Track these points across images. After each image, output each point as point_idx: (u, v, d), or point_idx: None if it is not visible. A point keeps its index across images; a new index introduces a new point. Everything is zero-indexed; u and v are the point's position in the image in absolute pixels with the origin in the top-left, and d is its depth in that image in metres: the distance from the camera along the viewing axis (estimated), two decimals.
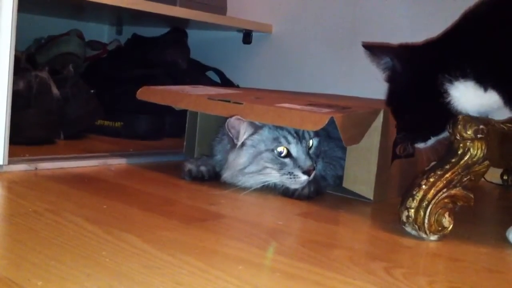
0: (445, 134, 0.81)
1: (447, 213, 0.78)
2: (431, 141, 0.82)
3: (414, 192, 0.78)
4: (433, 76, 0.77)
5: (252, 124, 0.97)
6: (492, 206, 1.14)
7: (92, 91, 1.42)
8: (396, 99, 0.84)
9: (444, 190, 0.78)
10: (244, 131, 0.97)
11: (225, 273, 0.59)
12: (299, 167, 0.95)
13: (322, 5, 1.65)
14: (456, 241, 0.78)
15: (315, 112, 0.92)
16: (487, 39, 0.74)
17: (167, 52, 1.66)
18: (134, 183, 1.00)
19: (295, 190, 0.97)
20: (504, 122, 1.14)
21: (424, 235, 0.78)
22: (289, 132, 0.96)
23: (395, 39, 0.89)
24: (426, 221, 0.77)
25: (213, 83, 1.68)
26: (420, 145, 0.83)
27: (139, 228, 0.73)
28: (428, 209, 0.77)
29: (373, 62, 0.82)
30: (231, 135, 0.98)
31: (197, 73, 1.71)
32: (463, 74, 0.75)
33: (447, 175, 0.78)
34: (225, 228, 0.78)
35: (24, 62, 1.26)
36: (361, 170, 0.98)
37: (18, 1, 0.94)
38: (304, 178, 0.95)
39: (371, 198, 0.97)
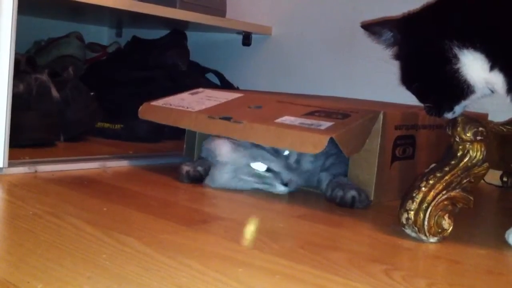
0: (467, 101, 0.76)
1: (446, 215, 0.78)
2: (458, 109, 0.77)
3: (414, 194, 0.78)
4: (440, 41, 0.72)
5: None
6: (491, 208, 1.14)
7: (92, 93, 1.42)
8: (407, 74, 0.79)
9: (444, 192, 0.78)
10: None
11: (225, 275, 0.59)
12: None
13: (322, 7, 1.66)
14: (456, 243, 0.78)
15: (315, 131, 0.93)
16: (499, 13, 0.69)
17: (167, 54, 1.66)
18: (134, 185, 1.00)
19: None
20: (503, 124, 1.14)
21: (423, 237, 0.78)
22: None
23: None
24: (425, 223, 0.77)
25: (213, 85, 1.68)
26: (448, 115, 0.78)
27: (138, 230, 0.73)
28: (428, 211, 0.77)
29: (375, 41, 0.80)
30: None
31: (197, 75, 1.71)
32: (472, 45, 0.70)
33: (446, 177, 0.78)
34: (224, 230, 0.77)
35: (24, 64, 1.26)
36: (362, 171, 0.98)
37: (18, 3, 0.95)
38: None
39: (371, 199, 0.97)
